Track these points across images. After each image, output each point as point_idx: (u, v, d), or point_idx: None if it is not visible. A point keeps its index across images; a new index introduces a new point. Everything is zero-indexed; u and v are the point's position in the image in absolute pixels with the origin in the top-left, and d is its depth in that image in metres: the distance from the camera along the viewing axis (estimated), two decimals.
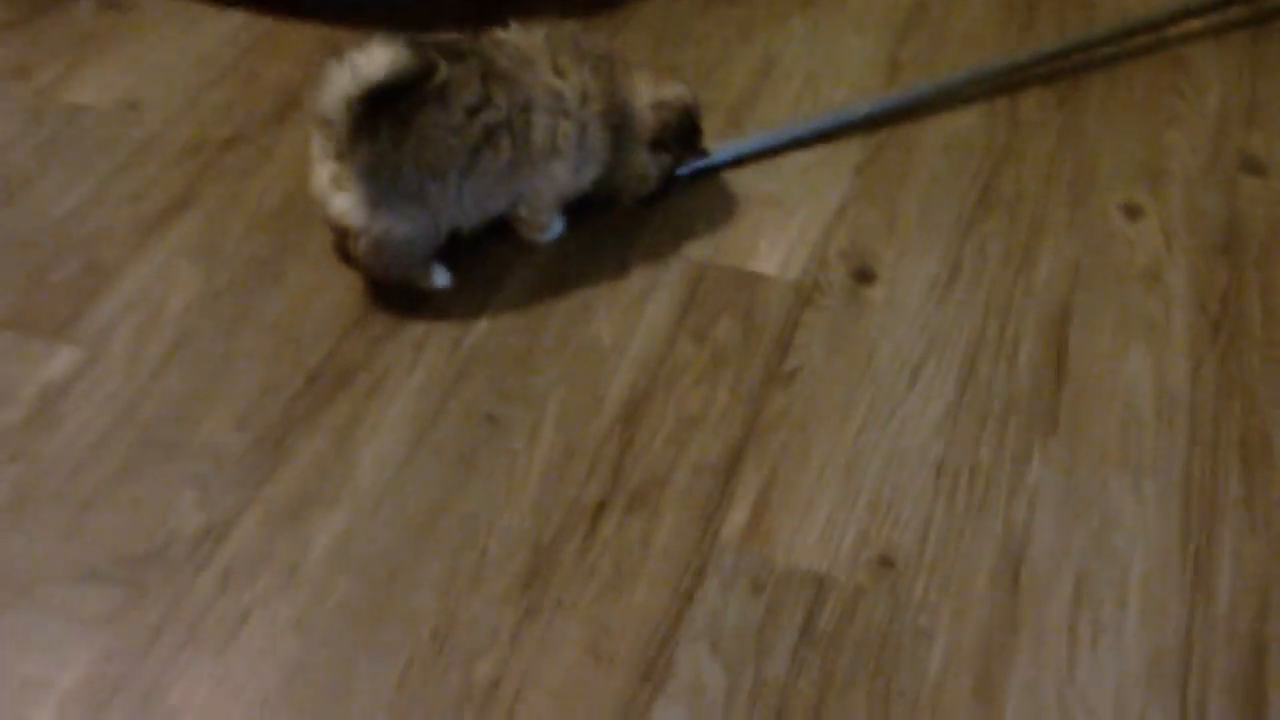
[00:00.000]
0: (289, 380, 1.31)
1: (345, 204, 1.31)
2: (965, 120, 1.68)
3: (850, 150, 1.62)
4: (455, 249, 1.40)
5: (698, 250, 1.48)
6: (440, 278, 1.39)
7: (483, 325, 1.38)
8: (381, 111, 1.26)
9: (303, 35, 1.74)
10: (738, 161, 1.59)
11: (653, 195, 1.51)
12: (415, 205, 1.32)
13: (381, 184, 1.29)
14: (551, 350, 1.36)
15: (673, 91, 1.46)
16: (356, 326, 1.36)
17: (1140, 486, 1.27)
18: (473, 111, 1.31)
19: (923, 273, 1.47)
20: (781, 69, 1.75)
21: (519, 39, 1.39)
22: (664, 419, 1.30)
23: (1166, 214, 1.56)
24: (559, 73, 1.37)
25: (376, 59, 1.24)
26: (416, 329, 1.37)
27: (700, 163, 1.56)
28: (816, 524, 1.22)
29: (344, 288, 1.40)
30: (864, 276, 1.46)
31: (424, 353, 1.35)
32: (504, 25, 1.42)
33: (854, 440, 1.30)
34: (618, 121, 1.41)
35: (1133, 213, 1.56)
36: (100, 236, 1.44)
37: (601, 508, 1.22)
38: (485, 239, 1.42)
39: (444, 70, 1.29)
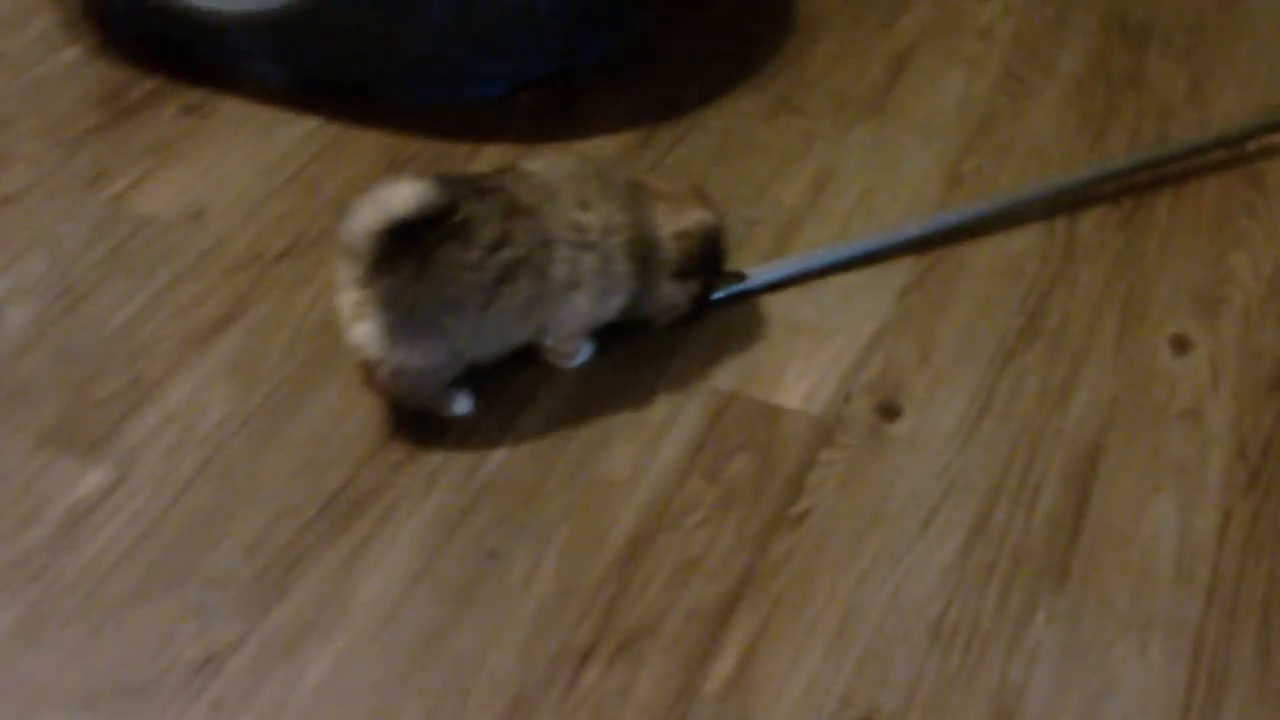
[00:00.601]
0: (304, 505, 1.35)
1: (364, 333, 1.34)
2: (1020, 241, 1.65)
3: (896, 272, 1.61)
4: (480, 373, 1.42)
5: (724, 379, 1.48)
6: (460, 405, 1.42)
7: (499, 455, 1.40)
8: (403, 246, 1.29)
9: (367, 144, 1.79)
10: (777, 285, 1.58)
11: (684, 319, 1.51)
12: (433, 338, 1.35)
13: (399, 316, 1.33)
14: (563, 484, 1.37)
15: (694, 218, 1.46)
16: (377, 452, 1.40)
17: (1147, 647, 1.23)
18: (492, 249, 1.33)
19: (951, 408, 1.45)
20: (837, 184, 1.74)
21: (545, 170, 1.41)
22: (663, 561, 1.31)
23: (1218, 347, 1.51)
24: (583, 205, 1.39)
25: (402, 194, 1.28)
26: (434, 458, 1.39)
27: (737, 287, 1.56)
28: (801, 680, 1.22)
29: (371, 410, 1.43)
30: (889, 412, 1.45)
31: (437, 482, 1.37)
32: (537, 154, 1.44)
33: (854, 590, 1.28)
34: (643, 252, 1.42)
35: (1181, 345, 1.51)
36: (147, 350, 1.51)
37: (588, 654, 1.23)
38: (511, 363, 1.44)
39: (467, 207, 1.32)
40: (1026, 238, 1.65)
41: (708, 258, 1.48)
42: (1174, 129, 1.82)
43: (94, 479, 1.37)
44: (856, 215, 1.69)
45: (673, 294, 1.47)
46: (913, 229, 1.64)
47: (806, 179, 1.74)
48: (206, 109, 1.85)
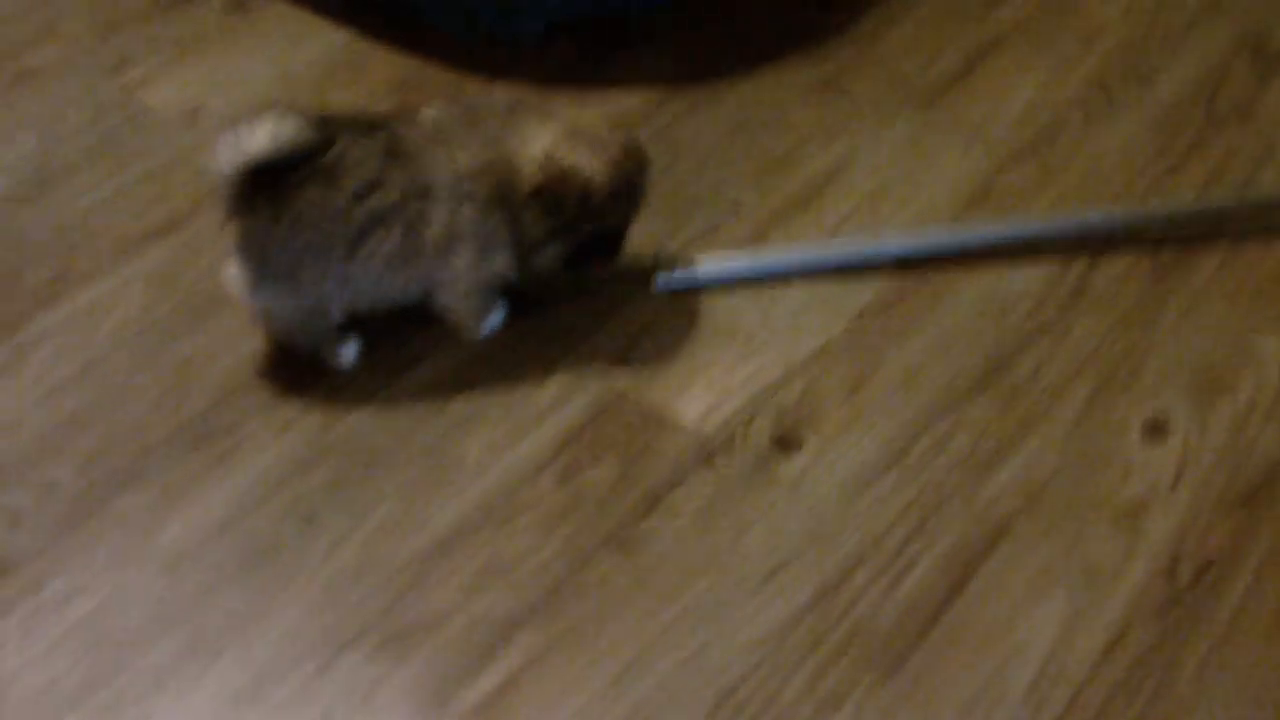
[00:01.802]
0: (154, 430, 1.32)
1: (229, 274, 1.30)
2: (1023, 278, 1.46)
3: (866, 291, 1.46)
4: (377, 325, 1.37)
5: (624, 377, 1.37)
6: (345, 356, 1.36)
7: (360, 415, 1.34)
8: (263, 186, 1.24)
9: (385, 66, 1.74)
10: (730, 282, 1.46)
11: (558, 287, 1.40)
12: (294, 284, 1.29)
13: (258, 259, 1.28)
14: (411, 457, 1.31)
15: (574, 160, 1.30)
16: (243, 390, 1.36)
17: None
18: (360, 195, 1.26)
19: (856, 453, 1.30)
20: (850, 177, 1.58)
21: (442, 115, 1.32)
22: (475, 559, 1.23)
23: (1197, 442, 1.31)
24: (467, 149, 1.29)
25: (258, 132, 1.22)
26: (295, 406, 1.35)
27: (684, 276, 1.44)
28: (560, 717, 1.12)
29: (259, 346, 1.39)
30: (787, 444, 1.31)
31: (288, 432, 1.33)
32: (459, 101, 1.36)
33: (656, 634, 1.17)
34: (505, 190, 1.30)
35: (1156, 431, 1.32)
36: (88, 244, 1.51)
37: (353, 641, 1.17)
38: (415, 320, 1.38)
39: (339, 148, 1.25)
40: (1032, 276, 1.46)
41: (568, 204, 1.31)
42: (1267, 177, 1.58)
43: None
44: (856, 217, 1.54)
45: (540, 247, 1.34)
46: (894, 244, 1.47)
47: (819, 167, 1.59)
48: (252, 8, 1.83)
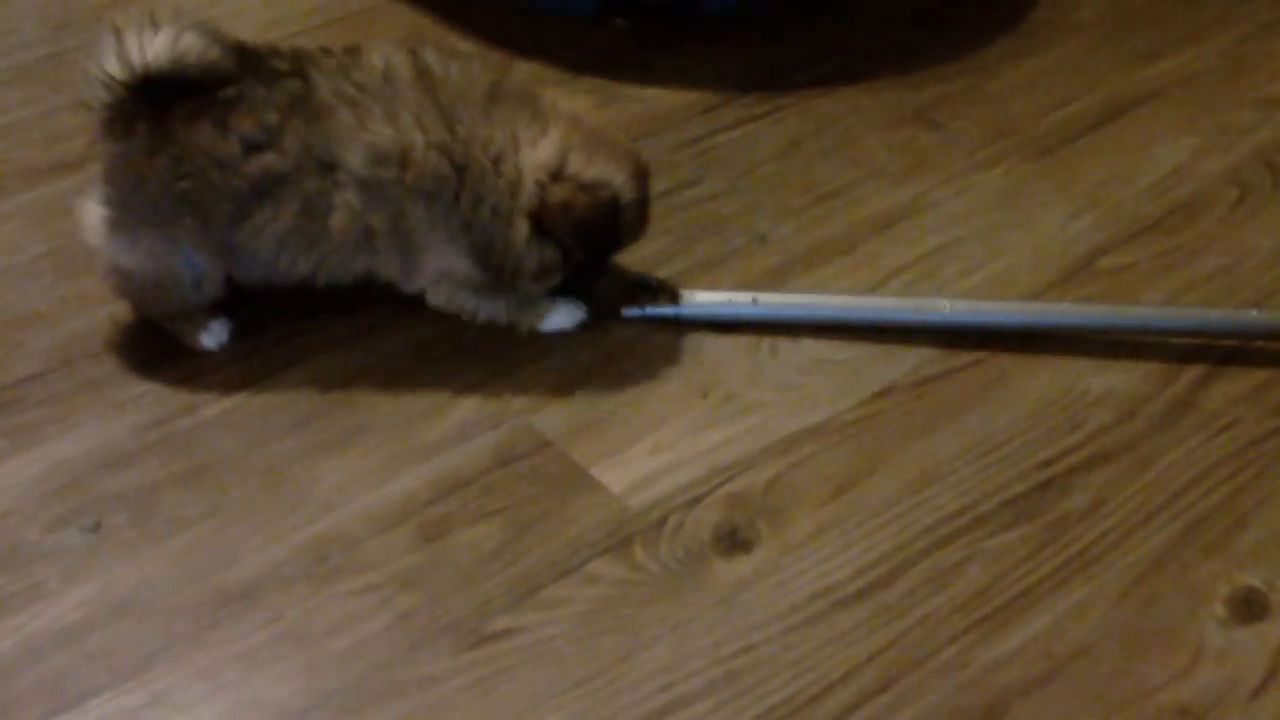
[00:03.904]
0: None
1: (86, 211, 1.03)
2: (1106, 380, 1.10)
3: (896, 365, 1.11)
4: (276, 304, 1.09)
5: (555, 419, 1.05)
6: (208, 338, 1.07)
7: (215, 410, 1.06)
8: (146, 109, 0.97)
9: (400, 20, 1.47)
10: (724, 324, 1.13)
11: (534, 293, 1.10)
12: (162, 237, 1.01)
13: (121, 197, 1.00)
14: (252, 475, 1.01)
15: (596, 170, 1.03)
16: (86, 358, 1.09)
17: None
18: (251, 147, 0.99)
19: (825, 570, 0.96)
20: (913, 226, 1.24)
21: (394, 66, 1.03)
22: (273, 621, 0.92)
23: None
24: (390, 118, 1.00)
25: (156, 40, 0.96)
26: (135, 390, 1.06)
27: (661, 309, 1.12)
28: None
29: (125, 312, 1.11)
30: (733, 542, 0.97)
31: (118, 416, 1.05)
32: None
33: None
34: (469, 192, 1.02)
35: (1248, 609, 0.94)
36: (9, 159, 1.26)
37: (75, 705, 0.87)
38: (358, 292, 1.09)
39: (242, 85, 0.97)
40: (1122, 380, 1.10)
41: (588, 225, 1.04)
42: None
43: None
44: (909, 273, 1.20)
45: (527, 245, 1.05)
46: (946, 309, 1.12)
47: (880, 208, 1.26)
48: None
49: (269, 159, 0.99)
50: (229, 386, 1.07)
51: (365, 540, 0.97)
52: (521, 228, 1.03)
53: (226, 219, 1.01)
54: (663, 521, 0.99)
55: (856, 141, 1.34)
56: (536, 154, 1.03)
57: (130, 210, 1.01)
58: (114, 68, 0.97)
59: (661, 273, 1.17)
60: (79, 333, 1.11)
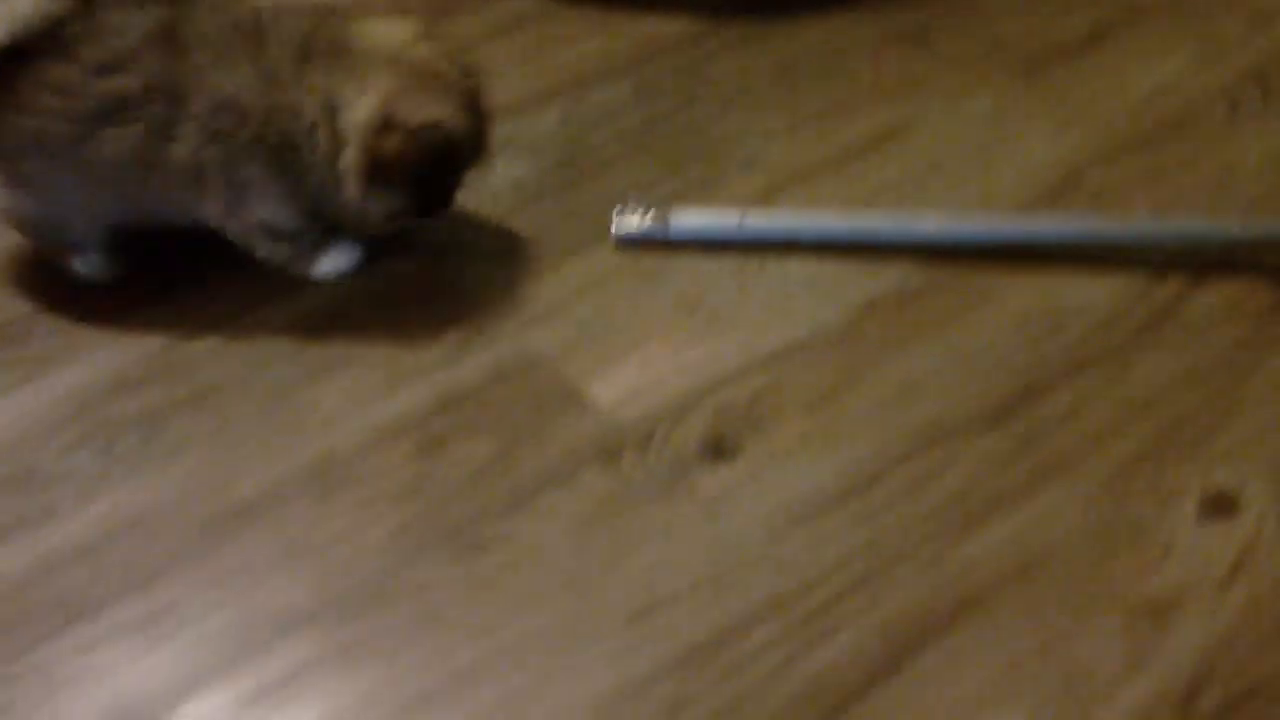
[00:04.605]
0: None
1: None
2: (1086, 290, 1.12)
3: (880, 280, 1.14)
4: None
5: (545, 339, 1.09)
6: (84, 262, 1.11)
7: (209, 343, 1.09)
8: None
9: None
10: (711, 245, 1.16)
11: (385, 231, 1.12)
12: (22, 178, 1.04)
13: None
14: (251, 397, 1.06)
15: (423, 111, 1.02)
16: (85, 294, 1.12)
17: None
18: (100, 71, 0.99)
19: (806, 476, 0.99)
20: (901, 145, 1.26)
21: (239, 6, 1.03)
22: (277, 533, 0.96)
23: (1273, 531, 0.95)
24: (235, 71, 1.01)
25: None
26: (134, 320, 1.10)
27: (650, 229, 1.15)
28: None
29: None
30: (717, 451, 1.01)
31: (115, 348, 1.08)
32: None
33: (469, 667, 0.89)
34: (283, 149, 1.03)
35: (1218, 508, 0.97)
36: None
37: (86, 615, 0.91)
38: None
39: (95, 16, 0.99)
40: (1102, 290, 1.12)
41: (424, 167, 1.04)
42: None
43: None
44: (897, 191, 1.22)
45: (366, 202, 1.05)
46: (930, 225, 1.15)
47: (870, 127, 1.28)
48: None
49: (116, 82, 0.99)
50: (227, 315, 1.10)
51: (364, 457, 1.01)
52: (357, 186, 1.03)
53: (70, 144, 1.01)
54: (650, 433, 1.02)
55: (845, 63, 1.36)
56: (358, 112, 1.01)
57: (6, 166, 1.03)
58: None
59: (652, 194, 1.19)
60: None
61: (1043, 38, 1.38)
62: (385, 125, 1.01)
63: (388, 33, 1.05)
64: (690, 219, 1.15)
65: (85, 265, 1.11)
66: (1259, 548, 0.93)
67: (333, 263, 1.11)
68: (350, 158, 1.01)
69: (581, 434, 1.02)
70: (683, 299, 1.11)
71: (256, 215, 1.05)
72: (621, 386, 1.05)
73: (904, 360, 1.07)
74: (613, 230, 1.15)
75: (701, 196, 1.20)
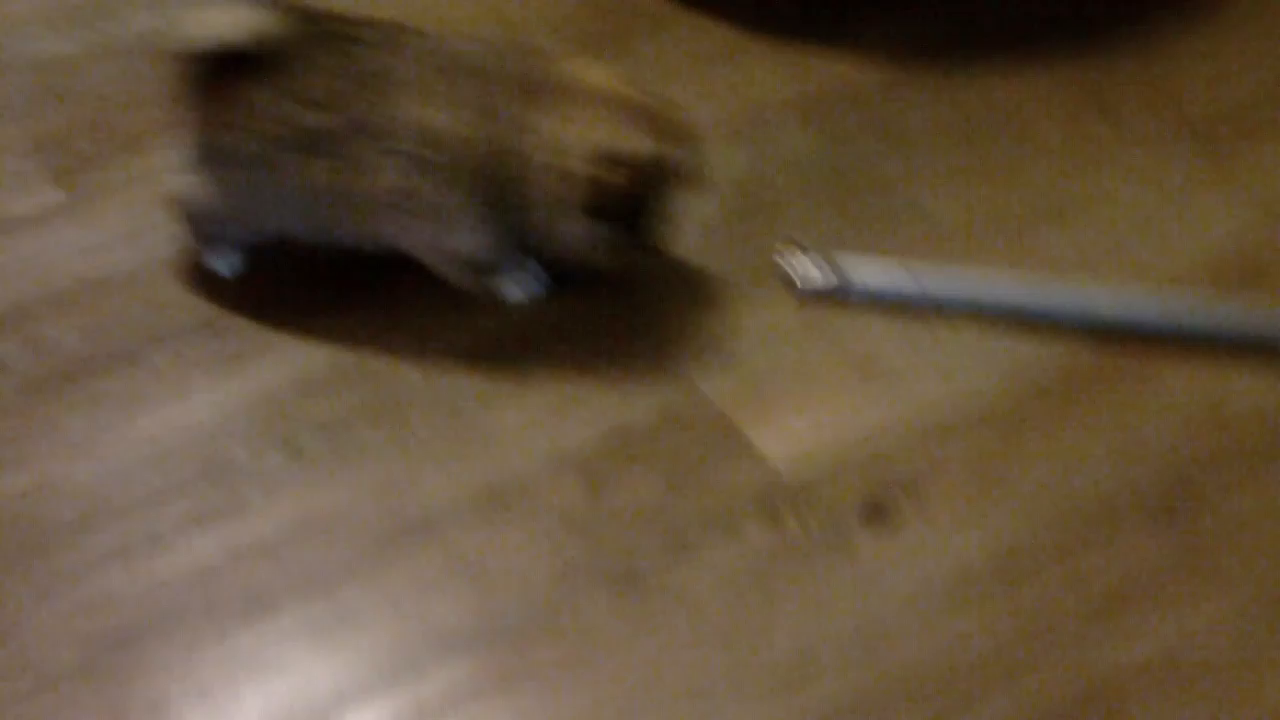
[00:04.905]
0: (171, 315, 1.16)
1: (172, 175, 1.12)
2: (1257, 387, 1.13)
3: (1049, 355, 1.15)
4: None
5: (717, 382, 1.12)
6: (222, 264, 1.18)
7: (400, 354, 1.14)
8: (219, 72, 1.07)
9: None
10: (885, 301, 1.18)
11: (597, 266, 1.15)
12: (211, 179, 1.11)
13: (200, 159, 1.10)
14: (438, 413, 1.11)
15: (636, 145, 1.06)
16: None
17: None
18: (309, 105, 1.06)
19: (961, 550, 1.02)
20: (1079, 215, 1.27)
21: (459, 53, 1.08)
22: (447, 553, 1.01)
23: None
24: (450, 105, 1.06)
25: (220, 20, 1.06)
26: (328, 321, 1.15)
27: (836, 282, 1.18)
28: None
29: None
30: (877, 516, 1.04)
31: (312, 349, 1.14)
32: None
33: (620, 712, 0.93)
34: (502, 186, 1.07)
35: None
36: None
37: (256, 610, 0.97)
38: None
39: (300, 49, 1.06)
40: (1272, 387, 1.12)
41: (640, 197, 1.08)
42: None
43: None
44: (1071, 261, 1.22)
45: (583, 235, 1.10)
46: (1105, 303, 1.16)
47: (1045, 196, 1.29)
48: None
49: (326, 117, 1.05)
50: (413, 329, 1.15)
51: (534, 485, 1.05)
52: (575, 219, 1.07)
53: (266, 167, 1.07)
54: (814, 492, 1.05)
55: (1030, 124, 1.36)
56: (578, 147, 1.06)
57: (208, 170, 1.09)
58: (188, 42, 1.06)
59: (827, 242, 1.21)
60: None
61: (1229, 106, 1.37)
62: (605, 159, 1.05)
63: (596, 73, 1.09)
64: (869, 275, 1.17)
65: (223, 263, 1.17)
66: None
67: (522, 288, 1.15)
68: (570, 191, 1.06)
69: (746, 485, 1.05)
70: (854, 356, 1.14)
71: (459, 245, 1.10)
72: (789, 441, 1.08)
73: (1067, 443, 1.09)
74: (797, 282, 1.17)
75: (878, 250, 1.22)
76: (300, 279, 1.18)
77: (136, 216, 1.24)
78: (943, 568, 1.00)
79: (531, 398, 1.10)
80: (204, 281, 1.18)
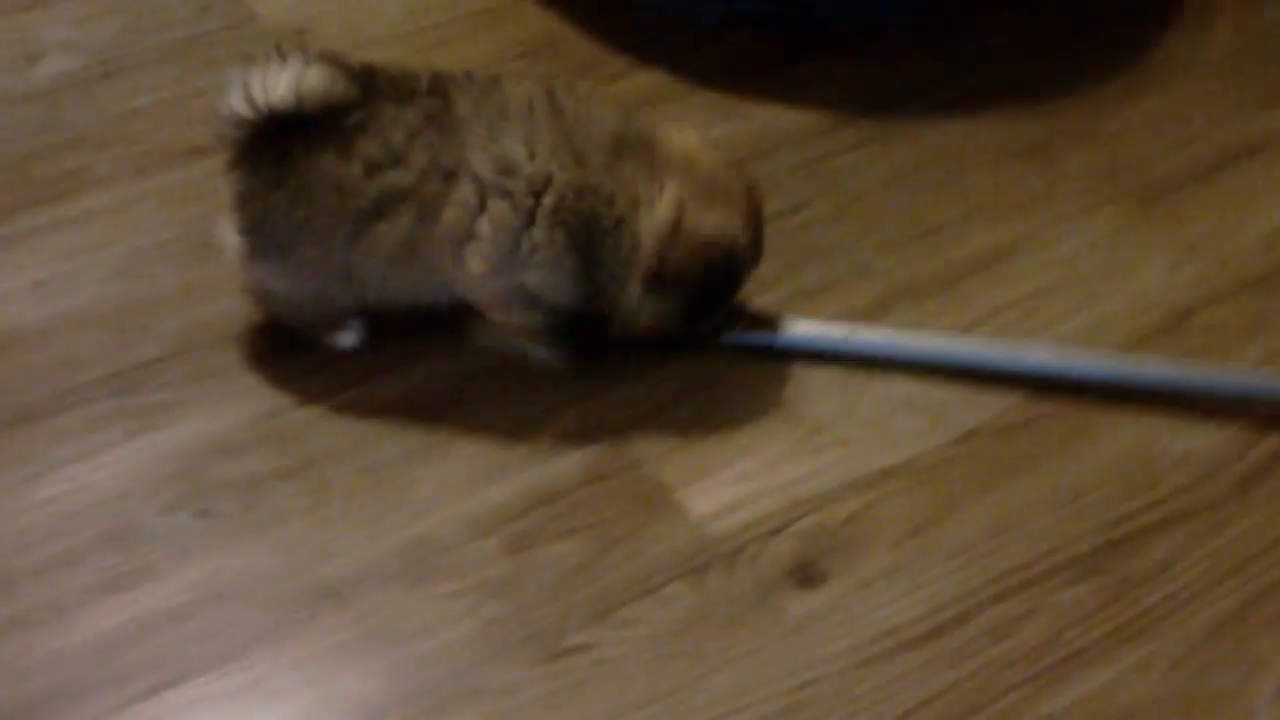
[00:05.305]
0: (86, 368, 1.13)
1: (223, 233, 1.08)
2: (1186, 441, 1.12)
3: (983, 409, 1.14)
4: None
5: (647, 443, 1.10)
6: (344, 338, 1.13)
7: (318, 411, 1.11)
8: (273, 140, 1.02)
9: (528, 21, 1.51)
10: (819, 355, 1.16)
11: (661, 340, 1.12)
12: (292, 264, 1.07)
13: (254, 225, 1.06)
14: (354, 475, 1.07)
15: (713, 222, 1.06)
16: (206, 348, 1.15)
17: None
18: (374, 168, 1.02)
19: (891, 611, 1.00)
20: (1013, 267, 1.26)
21: (524, 90, 1.07)
22: (358, 621, 0.98)
23: None
24: (528, 142, 1.03)
25: (280, 78, 0.99)
26: (249, 381, 1.12)
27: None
28: None
29: (245, 303, 1.17)
30: (805, 576, 1.01)
31: (227, 408, 1.11)
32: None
33: None
34: (590, 229, 1.04)
35: None
36: (122, 147, 1.33)
37: (164, 686, 0.94)
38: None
39: (366, 109, 1.02)
40: (1202, 441, 1.12)
41: (708, 277, 1.07)
42: None
43: None
44: (1006, 315, 1.22)
45: (641, 303, 1.08)
46: (1037, 357, 1.14)
47: (983, 245, 1.28)
48: None
49: (391, 176, 1.02)
50: (340, 384, 1.12)
51: (456, 547, 1.02)
52: (638, 286, 1.06)
53: (345, 240, 1.04)
54: (740, 550, 1.03)
55: (966, 175, 1.35)
56: (655, 214, 1.04)
57: (261, 237, 1.06)
58: (240, 107, 1.00)
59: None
60: (202, 319, 1.17)
61: (1165, 162, 1.37)
62: (674, 232, 1.03)
63: (681, 137, 1.08)
64: (798, 329, 1.15)
65: (346, 338, 1.13)
66: None
67: (572, 354, 1.13)
68: (640, 258, 1.04)
69: (671, 545, 1.03)
70: (784, 410, 1.12)
71: (528, 279, 1.06)
72: (716, 497, 1.06)
73: (998, 497, 1.07)
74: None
75: (811, 302, 1.21)
76: (218, 337, 1.15)
77: (45, 268, 1.20)
78: (872, 627, 0.98)
79: (453, 457, 1.08)
80: (117, 335, 1.14)
